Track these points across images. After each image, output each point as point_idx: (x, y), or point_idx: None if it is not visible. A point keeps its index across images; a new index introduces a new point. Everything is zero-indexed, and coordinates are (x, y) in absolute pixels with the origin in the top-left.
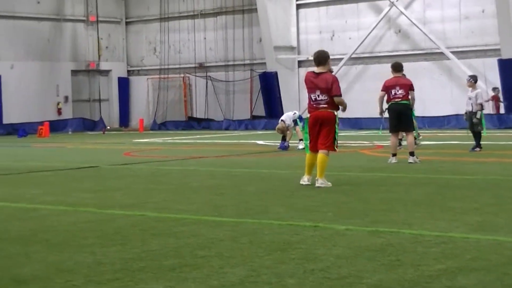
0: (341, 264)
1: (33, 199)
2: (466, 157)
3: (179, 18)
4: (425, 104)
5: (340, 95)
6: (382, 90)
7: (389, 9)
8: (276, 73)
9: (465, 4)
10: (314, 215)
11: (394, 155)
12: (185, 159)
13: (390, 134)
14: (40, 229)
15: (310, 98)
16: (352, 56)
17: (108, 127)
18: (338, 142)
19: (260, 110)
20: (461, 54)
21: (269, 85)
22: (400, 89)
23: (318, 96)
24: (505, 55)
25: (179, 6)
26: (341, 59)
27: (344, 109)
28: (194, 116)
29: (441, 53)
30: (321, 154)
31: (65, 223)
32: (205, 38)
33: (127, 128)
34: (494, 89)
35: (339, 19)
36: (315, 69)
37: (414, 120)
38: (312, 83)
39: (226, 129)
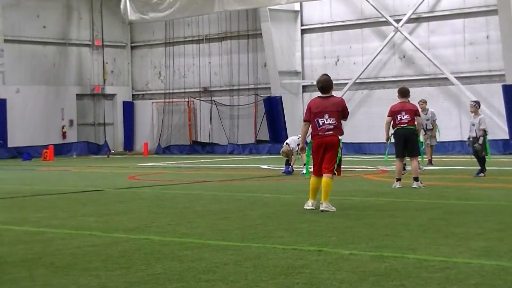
0: None
1: (38, 222)
2: (470, 182)
3: (184, 43)
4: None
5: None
6: (388, 116)
7: (394, 35)
8: (280, 98)
9: (469, 30)
10: (318, 239)
11: (398, 180)
12: (189, 183)
13: (395, 159)
14: (45, 253)
15: (316, 123)
16: (357, 81)
17: (113, 151)
18: (342, 166)
19: (264, 135)
20: (466, 79)
21: (273, 109)
22: (406, 114)
23: (326, 120)
24: (510, 81)
25: (184, 31)
26: (346, 84)
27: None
28: (199, 140)
29: (446, 78)
30: (325, 178)
31: (70, 247)
32: (209, 62)
33: (131, 152)
34: None
35: (344, 44)
36: (320, 95)
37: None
38: (320, 107)
39: (230, 153)
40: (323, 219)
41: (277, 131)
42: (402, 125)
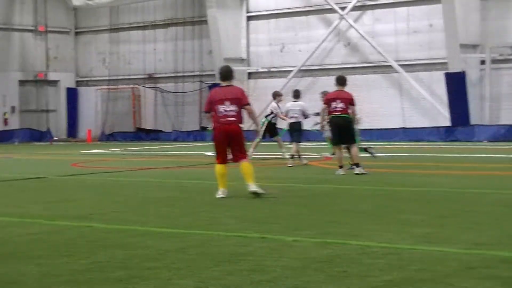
0: (289, 275)
1: None
2: (414, 169)
3: (129, 29)
4: (374, 117)
5: (250, 104)
6: (324, 103)
7: (339, 22)
8: None
9: (413, 19)
10: (262, 226)
11: (341, 167)
12: (134, 170)
13: (334, 147)
14: None
15: (217, 111)
16: (302, 68)
17: (56, 138)
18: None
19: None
20: (409, 67)
21: None
22: (340, 102)
23: (228, 107)
24: (452, 69)
25: (129, 17)
26: (291, 71)
27: (254, 122)
28: (143, 127)
29: (390, 66)
30: (245, 163)
31: (13, 235)
32: (155, 49)
33: (75, 139)
34: None
35: (289, 32)
36: (222, 83)
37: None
38: (221, 95)
39: (175, 140)
40: (267, 206)
41: None
42: (336, 113)
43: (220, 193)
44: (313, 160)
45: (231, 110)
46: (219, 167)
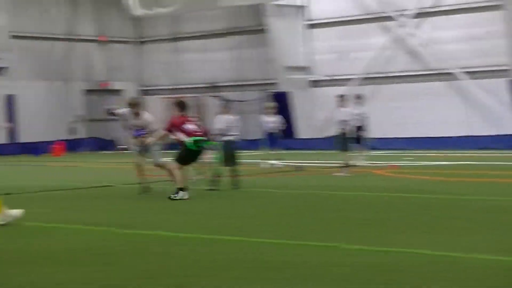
0: None
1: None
2: (479, 177)
3: (190, 38)
4: (437, 125)
5: None
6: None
7: (399, 30)
8: (288, 93)
9: (474, 25)
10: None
11: (184, 189)
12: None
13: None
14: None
15: None
16: (363, 76)
17: (123, 147)
18: None
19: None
20: (472, 74)
21: (282, 105)
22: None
23: None
24: None
25: (190, 26)
26: (351, 79)
27: None
28: None
29: (452, 73)
30: None
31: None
32: (215, 58)
33: None
34: None
35: (349, 39)
36: None
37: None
38: None
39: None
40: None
41: (287, 126)
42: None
43: None
44: (377, 169)
45: None
46: None
